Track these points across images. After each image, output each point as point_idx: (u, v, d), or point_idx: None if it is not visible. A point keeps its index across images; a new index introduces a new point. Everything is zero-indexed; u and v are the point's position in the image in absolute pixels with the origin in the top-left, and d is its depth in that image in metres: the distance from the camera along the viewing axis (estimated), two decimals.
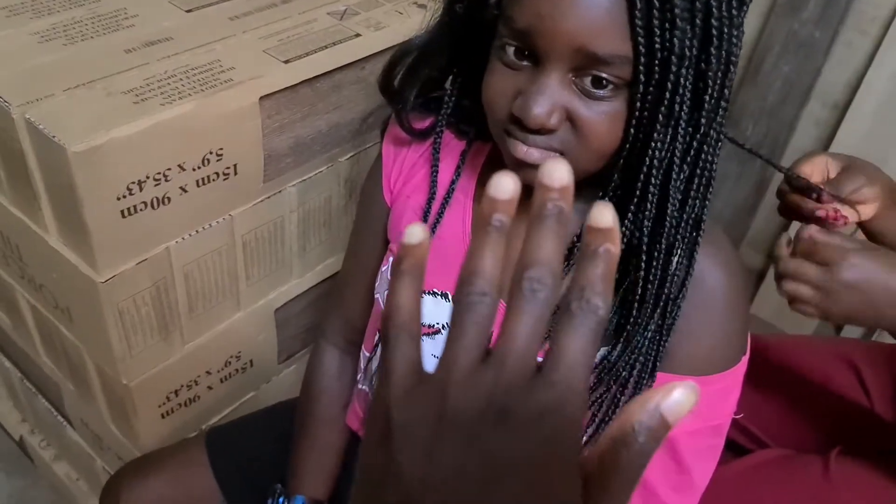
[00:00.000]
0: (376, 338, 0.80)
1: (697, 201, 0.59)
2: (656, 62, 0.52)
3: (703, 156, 0.57)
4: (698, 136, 0.56)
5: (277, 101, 0.85)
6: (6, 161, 0.82)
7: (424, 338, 0.72)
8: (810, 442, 1.00)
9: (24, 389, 1.24)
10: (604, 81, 0.54)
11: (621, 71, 0.53)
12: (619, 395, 0.65)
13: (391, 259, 0.75)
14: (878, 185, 0.80)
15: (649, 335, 0.62)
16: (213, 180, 0.84)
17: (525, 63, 0.56)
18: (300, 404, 0.91)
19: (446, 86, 0.71)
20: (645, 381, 0.64)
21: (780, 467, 0.96)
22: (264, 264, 0.97)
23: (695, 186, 0.58)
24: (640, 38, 0.52)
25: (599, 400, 0.66)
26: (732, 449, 1.08)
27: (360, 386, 0.87)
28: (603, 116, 0.55)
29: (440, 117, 0.71)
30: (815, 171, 0.79)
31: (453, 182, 0.72)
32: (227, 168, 0.84)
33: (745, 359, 0.67)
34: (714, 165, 0.58)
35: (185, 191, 0.82)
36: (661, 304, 0.61)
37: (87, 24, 0.88)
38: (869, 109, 1.59)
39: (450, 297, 0.70)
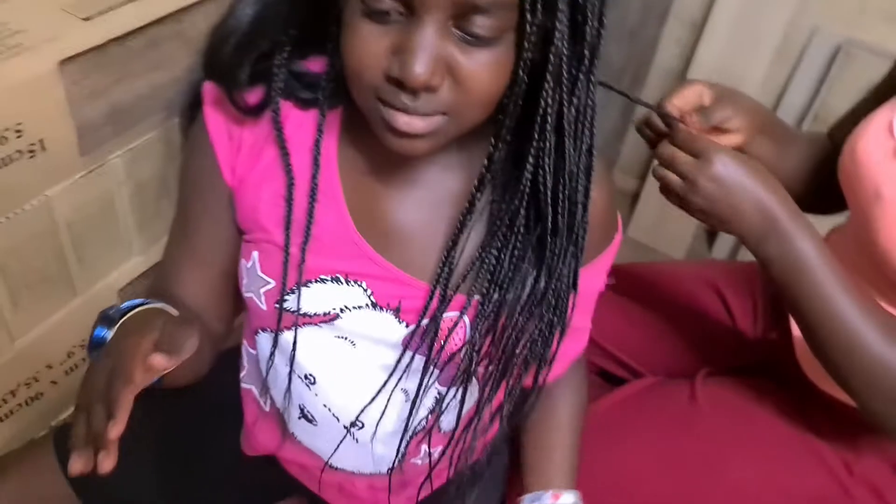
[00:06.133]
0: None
1: (588, 130, 0.57)
2: (539, 3, 0.50)
3: (589, 88, 0.55)
4: (583, 67, 0.54)
5: (82, 64, 0.76)
6: None
7: (323, 325, 0.67)
8: (681, 367, 1.02)
9: None
10: (485, 22, 0.50)
11: (503, 14, 0.50)
12: (551, 318, 0.65)
13: (253, 254, 0.67)
14: (747, 114, 0.81)
15: (569, 260, 0.63)
16: (17, 160, 0.75)
17: (395, 15, 0.50)
18: None
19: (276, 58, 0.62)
20: (566, 299, 0.65)
21: (649, 395, 0.97)
22: (97, 244, 0.89)
23: (586, 118, 0.57)
24: None
25: (538, 328, 0.66)
26: (610, 380, 1.09)
27: (244, 385, 0.81)
28: (487, 65, 0.52)
29: (272, 97, 0.62)
30: (688, 101, 0.80)
31: (315, 164, 0.63)
32: (32, 144, 0.76)
33: (618, 237, 0.74)
34: (594, 94, 0.56)
35: None
36: (574, 230, 0.61)
37: None
38: (725, 25, 1.61)
39: (343, 280, 0.65)
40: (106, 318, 0.59)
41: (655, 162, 0.78)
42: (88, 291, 0.91)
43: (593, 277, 0.72)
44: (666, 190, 0.76)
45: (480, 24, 0.50)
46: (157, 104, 0.87)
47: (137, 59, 0.82)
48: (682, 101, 0.79)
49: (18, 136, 0.73)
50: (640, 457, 0.90)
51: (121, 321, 0.58)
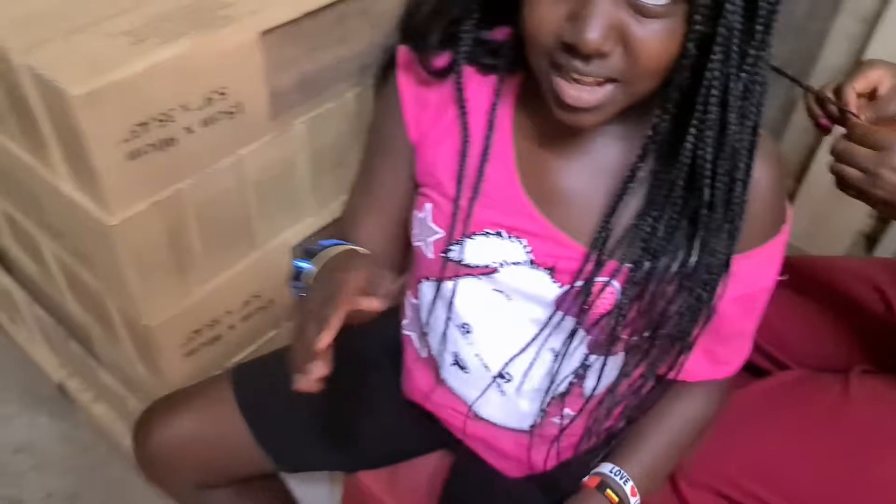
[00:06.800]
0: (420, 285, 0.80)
1: (755, 109, 0.59)
2: None
3: (757, 66, 0.56)
4: (752, 45, 0.55)
5: (279, 36, 0.84)
6: (15, 109, 0.83)
7: (482, 277, 0.72)
8: (832, 362, 0.99)
9: (59, 335, 1.28)
10: None
11: None
12: (700, 294, 0.66)
13: (427, 206, 0.73)
14: None
15: (724, 237, 0.64)
16: (219, 120, 0.84)
17: None
18: None
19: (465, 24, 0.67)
20: (719, 278, 0.66)
21: (798, 386, 0.95)
22: (277, 203, 0.98)
23: (753, 95, 0.58)
24: None
25: (686, 303, 0.67)
26: (753, 372, 1.07)
27: (405, 332, 0.87)
28: (658, 35, 0.54)
29: (457, 61, 0.68)
30: (868, 84, 0.79)
31: (490, 125, 0.69)
32: (232, 107, 0.84)
33: (787, 228, 0.72)
34: (766, 75, 0.58)
35: (192, 131, 0.82)
36: (732, 208, 0.62)
37: None
38: None
39: (505, 235, 0.69)
40: (306, 252, 0.65)
41: (829, 157, 0.78)
42: (265, 246, 1.00)
43: (758, 267, 0.71)
44: (843, 184, 0.77)
45: None
46: (341, 75, 0.94)
47: (326, 33, 0.89)
48: (862, 86, 0.78)
49: (222, 99, 0.82)
50: (786, 447, 0.89)
51: (319, 256, 0.65)
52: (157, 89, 0.76)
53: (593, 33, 0.53)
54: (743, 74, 0.56)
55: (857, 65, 0.80)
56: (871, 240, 1.78)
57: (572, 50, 0.54)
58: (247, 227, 0.96)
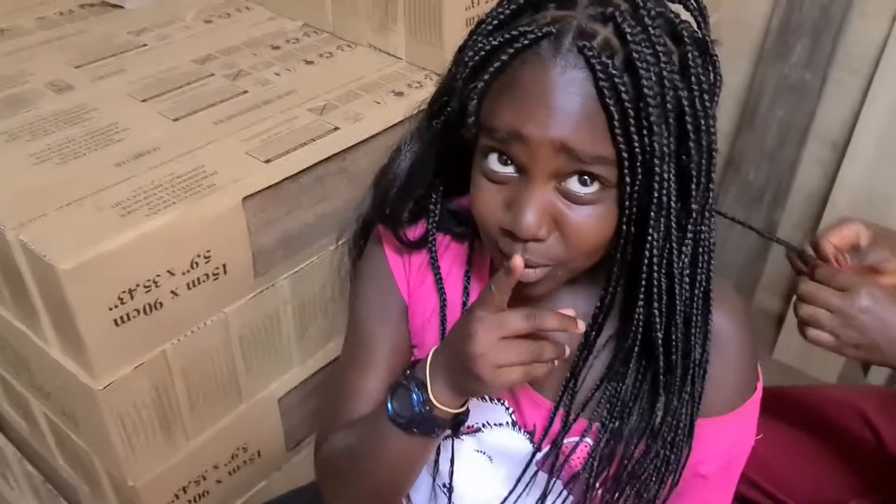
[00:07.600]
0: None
1: (703, 275, 0.60)
2: (638, 163, 0.53)
3: (700, 236, 0.58)
4: (691, 220, 0.57)
5: (261, 199, 0.88)
6: (7, 279, 0.86)
7: (466, 436, 0.73)
8: (824, 494, 0.99)
9: (47, 491, 1.27)
10: (588, 180, 0.55)
11: (606, 172, 0.54)
12: (667, 455, 0.66)
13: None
14: None
15: (686, 398, 0.64)
16: (203, 281, 0.87)
17: (509, 172, 0.57)
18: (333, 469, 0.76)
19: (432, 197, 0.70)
20: (685, 440, 0.65)
21: None
22: (263, 356, 0.99)
23: (700, 264, 0.59)
24: (620, 144, 0.53)
25: (652, 464, 0.66)
26: None
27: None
28: (591, 220, 0.56)
29: (429, 232, 0.71)
30: (844, 239, 0.81)
31: (466, 290, 0.71)
32: (217, 268, 0.87)
33: (759, 387, 0.70)
34: (712, 240, 0.60)
35: (177, 294, 0.84)
36: (690, 372, 0.63)
37: (81, 142, 0.93)
38: (868, 145, 1.59)
39: (488, 399, 0.71)
40: (394, 394, 0.65)
41: (796, 299, 0.79)
42: (252, 399, 1.01)
43: (731, 433, 0.69)
44: (804, 327, 0.78)
45: (583, 182, 0.55)
46: (322, 231, 0.98)
47: (306, 193, 0.93)
48: (838, 240, 0.80)
49: (207, 262, 0.85)
50: None
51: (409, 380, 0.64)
52: (143, 258, 0.80)
53: (528, 221, 0.55)
54: (685, 248, 0.57)
55: (837, 222, 0.83)
56: None
57: (512, 235, 0.57)
58: (233, 382, 0.97)
